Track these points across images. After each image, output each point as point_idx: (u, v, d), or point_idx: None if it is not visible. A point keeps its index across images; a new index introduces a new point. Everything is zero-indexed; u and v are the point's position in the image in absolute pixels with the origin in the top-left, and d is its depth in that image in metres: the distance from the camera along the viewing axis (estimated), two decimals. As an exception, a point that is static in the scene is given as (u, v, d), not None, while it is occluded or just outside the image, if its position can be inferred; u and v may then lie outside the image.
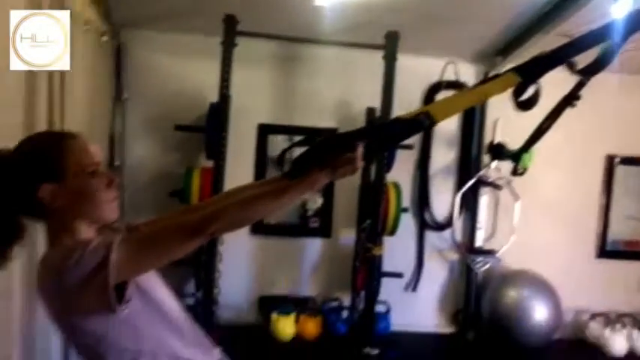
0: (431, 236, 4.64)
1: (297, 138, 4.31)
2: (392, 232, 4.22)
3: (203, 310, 3.80)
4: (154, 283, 1.28)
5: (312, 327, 4.25)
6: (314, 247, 4.58)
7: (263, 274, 4.52)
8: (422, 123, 1.32)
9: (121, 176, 3.98)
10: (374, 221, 4.00)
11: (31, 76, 2.34)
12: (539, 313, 4.21)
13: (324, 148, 1.20)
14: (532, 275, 4.41)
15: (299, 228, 4.57)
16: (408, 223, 4.48)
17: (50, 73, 2.53)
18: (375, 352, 3.80)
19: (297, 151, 1.32)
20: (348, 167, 1.19)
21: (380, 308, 4.23)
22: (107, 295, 1.08)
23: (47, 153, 1.18)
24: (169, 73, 4.22)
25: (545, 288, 4.32)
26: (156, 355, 1.21)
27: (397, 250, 4.36)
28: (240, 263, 4.41)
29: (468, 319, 4.54)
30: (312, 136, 1.27)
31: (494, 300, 4.35)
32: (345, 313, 4.39)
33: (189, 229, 1.13)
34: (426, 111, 1.33)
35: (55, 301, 1.17)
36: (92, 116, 3.40)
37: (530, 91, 1.46)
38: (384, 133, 1.35)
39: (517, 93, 1.46)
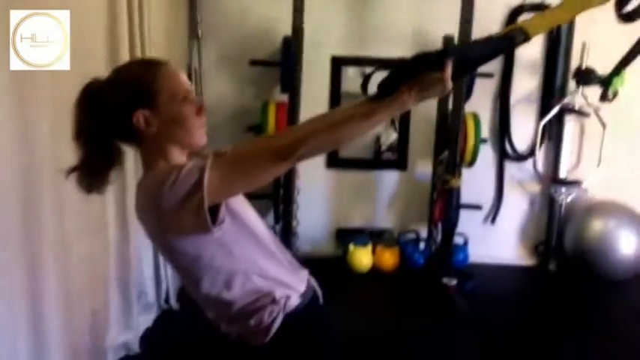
0: (511, 167, 4.50)
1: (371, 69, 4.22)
2: (470, 164, 4.13)
3: (282, 242, 3.89)
4: (244, 207, 1.31)
5: (389, 258, 4.29)
6: (390, 179, 4.57)
7: (339, 207, 4.57)
8: (514, 38, 1.25)
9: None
10: (452, 152, 3.92)
11: (112, 11, 2.41)
12: (626, 245, 4.06)
13: (413, 68, 1.16)
14: (619, 206, 4.23)
15: (374, 161, 4.56)
16: (487, 154, 4.36)
17: (130, 10, 2.59)
18: (453, 282, 3.79)
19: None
20: (437, 87, 1.15)
21: (458, 240, 4.20)
22: (202, 215, 1.12)
23: (141, 79, 1.21)
24: (242, 8, 4.21)
25: (632, 219, 4.14)
26: (248, 275, 1.25)
27: (476, 181, 4.27)
28: (317, 196, 4.47)
29: (550, 252, 4.44)
30: (398, 60, 1.22)
31: (578, 232, 4.22)
32: (422, 245, 4.39)
33: (279, 152, 1.14)
34: (519, 27, 1.26)
35: (153, 222, 1.22)
36: (169, 52, 3.47)
37: (635, 1, 1.35)
38: (474, 51, 1.29)
39: (621, 3, 1.35)
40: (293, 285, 1.31)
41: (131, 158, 2.31)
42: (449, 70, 1.14)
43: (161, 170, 1.20)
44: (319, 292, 1.42)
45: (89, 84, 1.24)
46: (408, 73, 1.16)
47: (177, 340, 2.99)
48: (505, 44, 1.27)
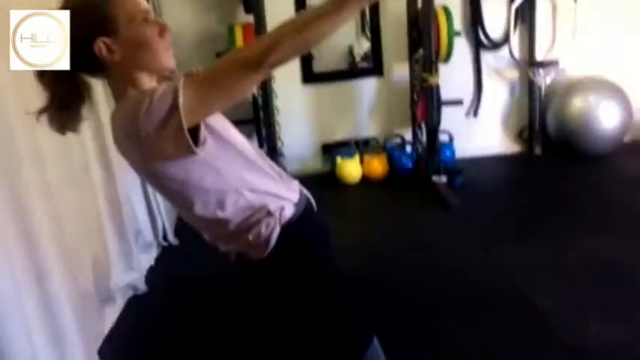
0: (488, 57, 4.46)
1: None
2: (446, 59, 4.08)
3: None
4: (225, 125, 1.27)
5: (377, 166, 4.31)
6: (368, 87, 4.52)
7: (322, 122, 4.54)
8: None
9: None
10: (426, 50, 3.86)
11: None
12: (607, 117, 4.09)
13: None
14: (598, 80, 4.23)
15: (350, 71, 4.49)
16: (462, 47, 4.30)
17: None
18: (443, 180, 3.84)
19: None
20: None
21: (443, 138, 4.22)
22: (183, 138, 1.08)
23: (94, 6, 1.15)
24: None
25: (612, 91, 4.15)
26: (240, 192, 1.23)
27: (454, 76, 4.24)
28: (298, 114, 4.43)
29: (534, 136, 4.48)
30: None
31: (559, 112, 4.24)
32: (408, 148, 4.40)
33: (251, 62, 1.09)
34: None
35: (134, 152, 1.19)
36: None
37: None
38: None
39: None
40: (286, 196, 1.30)
41: (103, 97, 2.26)
42: None
43: (132, 98, 1.15)
44: (312, 201, 1.42)
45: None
46: None
47: (181, 275, 3.03)
48: None
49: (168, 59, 1.22)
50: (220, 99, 1.14)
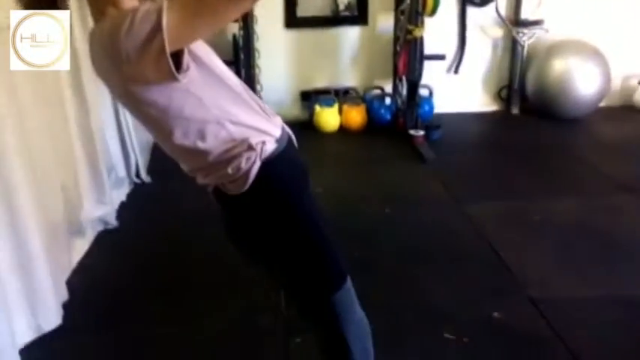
0: (473, 13, 4.41)
1: None
2: (432, 13, 4.01)
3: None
4: (209, 54, 1.23)
5: (356, 116, 4.29)
6: (351, 36, 4.46)
7: (302, 69, 4.48)
8: None
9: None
10: (413, 1, 3.80)
11: None
12: (586, 81, 4.13)
13: None
14: (579, 43, 4.24)
15: (334, 18, 4.41)
16: (449, 1, 4.25)
17: None
18: (420, 133, 3.85)
19: None
20: None
21: (423, 92, 4.21)
22: (165, 62, 1.04)
23: None
24: None
25: (592, 55, 4.18)
26: (221, 123, 1.20)
27: (438, 31, 4.20)
28: (279, 59, 4.36)
29: (513, 95, 4.49)
30: None
31: (539, 72, 4.26)
32: (387, 101, 4.38)
33: None
34: None
35: (113, 75, 1.14)
36: None
37: None
38: None
39: None
40: (268, 130, 1.28)
41: (77, 22, 2.18)
42: None
43: (113, 17, 1.10)
44: (294, 138, 1.40)
45: None
46: None
47: (152, 212, 3.01)
48: None
49: None
50: (206, 23, 1.10)
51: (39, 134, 2.10)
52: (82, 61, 2.48)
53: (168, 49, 1.03)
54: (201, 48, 1.20)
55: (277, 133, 1.30)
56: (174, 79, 1.08)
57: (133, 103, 1.19)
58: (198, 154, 1.23)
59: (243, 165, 1.23)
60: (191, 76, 1.12)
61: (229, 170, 1.23)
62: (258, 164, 1.24)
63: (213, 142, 1.21)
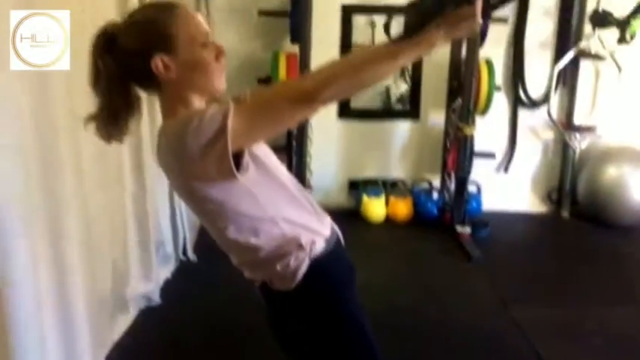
0: (525, 114, 4.46)
1: (383, 19, 4.17)
2: (484, 111, 4.09)
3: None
4: (266, 153, 1.29)
5: (402, 209, 4.30)
6: (402, 129, 4.54)
7: (352, 158, 4.56)
8: None
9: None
10: (465, 100, 3.88)
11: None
12: (640, 189, 4.04)
13: (441, 4, 1.11)
14: (633, 152, 4.19)
15: (387, 111, 4.52)
16: (500, 102, 4.33)
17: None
18: (467, 230, 3.81)
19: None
20: (467, 23, 1.10)
21: (471, 188, 4.20)
22: (226, 162, 1.09)
23: (158, 23, 1.17)
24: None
25: (647, 164, 4.11)
26: (275, 221, 1.24)
27: (489, 129, 4.25)
28: (330, 147, 4.46)
29: (563, 199, 4.43)
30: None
31: (591, 177, 4.20)
32: (435, 195, 4.39)
33: (303, 95, 1.10)
34: None
35: (176, 169, 1.20)
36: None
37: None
38: None
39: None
40: (318, 230, 1.30)
41: (146, 107, 2.30)
42: (479, 5, 1.09)
43: (183, 116, 1.18)
44: (341, 237, 1.42)
45: (104, 28, 1.20)
46: (436, 11, 1.11)
47: (196, 292, 3.04)
48: None
49: (220, 82, 1.24)
50: (268, 127, 1.16)
51: (99, 214, 2.19)
52: (144, 142, 2.62)
53: (230, 150, 1.08)
54: (260, 147, 1.25)
55: (327, 232, 1.33)
56: (234, 177, 1.13)
57: (191, 197, 1.25)
58: (249, 250, 1.26)
59: (292, 263, 1.25)
60: (250, 175, 1.17)
61: (278, 267, 1.25)
62: (306, 263, 1.26)
63: (265, 239, 1.24)
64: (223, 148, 1.09)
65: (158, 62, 1.17)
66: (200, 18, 1.24)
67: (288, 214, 1.26)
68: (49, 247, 1.83)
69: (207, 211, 1.25)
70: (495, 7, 1.27)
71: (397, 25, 1.26)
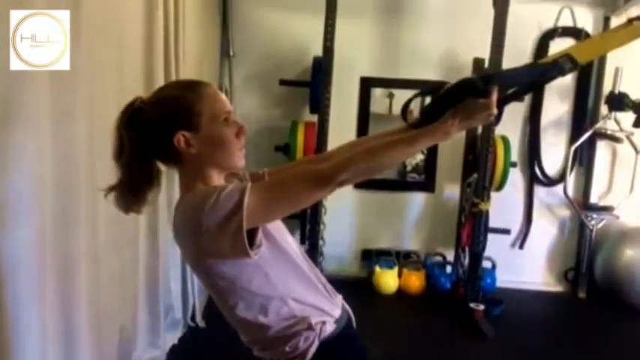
0: (540, 192, 4.45)
1: (400, 91, 4.27)
2: (499, 187, 4.09)
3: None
4: (281, 230, 1.30)
5: (415, 281, 4.25)
6: (417, 201, 4.54)
7: (366, 228, 4.55)
8: (562, 66, 1.21)
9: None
10: (481, 175, 3.89)
11: (148, 31, 2.45)
12: (659, 274, 3.96)
13: (457, 94, 1.14)
14: (652, 234, 4.13)
15: (402, 182, 4.54)
16: (516, 178, 4.33)
17: (166, 30, 2.64)
18: (481, 307, 3.74)
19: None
20: (482, 114, 1.13)
21: (485, 264, 4.15)
22: (240, 239, 1.11)
23: (183, 101, 1.21)
24: (273, 27, 4.25)
25: (667, 248, 4.04)
26: (285, 300, 1.24)
27: (504, 205, 4.23)
28: (344, 216, 4.45)
29: (579, 279, 4.35)
30: (438, 85, 1.20)
31: (609, 259, 4.14)
32: (448, 269, 4.34)
33: (320, 178, 1.13)
34: (567, 54, 1.22)
35: (191, 244, 1.21)
36: (201, 71, 3.52)
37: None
38: (520, 78, 1.26)
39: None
40: (328, 311, 1.29)
41: (164, 175, 2.33)
42: (494, 97, 1.12)
43: (201, 192, 1.20)
44: (353, 318, 1.40)
45: (131, 102, 1.24)
46: (453, 100, 1.14)
47: (201, 359, 2.99)
48: (553, 71, 1.23)
49: (240, 159, 1.27)
50: (284, 207, 1.18)
51: (110, 276, 2.19)
52: (160, 207, 2.64)
53: (245, 228, 1.10)
54: (274, 224, 1.26)
55: (337, 313, 1.32)
56: (247, 255, 1.14)
57: (204, 272, 1.25)
58: (258, 328, 1.25)
59: (301, 344, 1.23)
60: (262, 253, 1.18)
61: (287, 348, 1.24)
62: (316, 344, 1.24)
63: (274, 318, 1.23)
64: (238, 226, 1.10)
65: (181, 138, 1.20)
66: (223, 97, 1.28)
67: (298, 293, 1.26)
68: (58, 309, 1.82)
69: (219, 287, 1.25)
70: (511, 100, 1.29)
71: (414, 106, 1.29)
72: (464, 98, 1.13)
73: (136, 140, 1.21)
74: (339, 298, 1.38)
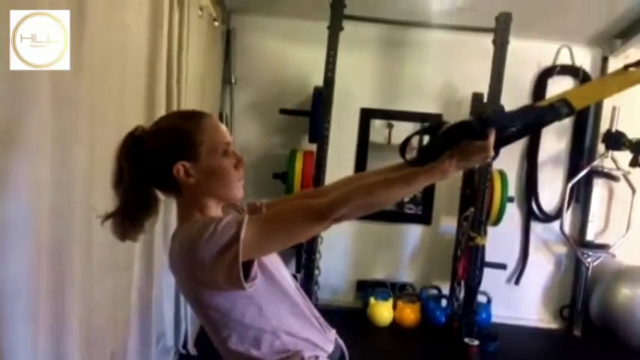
0: (537, 227, 4.46)
1: (399, 123, 4.31)
2: (496, 222, 4.09)
3: (303, 291, 3.89)
4: (276, 263, 1.30)
5: (409, 314, 4.21)
6: (414, 233, 4.54)
7: (362, 258, 4.54)
8: (559, 110, 1.23)
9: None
10: (478, 210, 3.90)
11: (152, 57, 2.48)
12: (655, 313, 3.94)
13: (455, 136, 1.16)
14: (648, 273, 4.12)
15: (399, 214, 4.54)
16: (513, 213, 4.33)
17: (169, 56, 2.67)
18: (475, 343, 3.71)
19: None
20: (479, 155, 1.15)
21: (481, 299, 4.13)
22: (236, 271, 1.11)
23: (184, 131, 1.22)
24: (275, 57, 4.30)
25: (662, 287, 4.03)
26: (278, 334, 1.23)
27: (501, 240, 4.22)
28: (340, 246, 4.45)
29: (575, 316, 4.33)
30: (437, 124, 1.22)
31: (604, 297, 4.12)
32: (444, 302, 4.31)
33: (316, 213, 1.13)
34: (564, 98, 1.24)
35: (185, 273, 1.21)
36: (203, 97, 3.54)
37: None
38: (517, 121, 1.28)
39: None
40: (321, 345, 1.29)
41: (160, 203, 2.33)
42: (492, 139, 1.13)
43: (198, 222, 1.20)
44: (346, 353, 1.39)
45: (132, 132, 1.25)
46: (451, 141, 1.15)
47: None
48: (549, 115, 1.25)
49: (239, 190, 1.28)
50: (280, 241, 1.18)
51: (103, 300, 2.17)
52: (156, 233, 2.63)
53: (240, 260, 1.09)
54: (269, 258, 1.26)
55: (330, 348, 1.31)
56: (241, 287, 1.13)
57: (197, 303, 1.25)
58: None
59: None
60: (257, 286, 1.18)
61: None
62: None
63: (267, 351, 1.22)
64: (234, 258, 1.10)
65: (180, 168, 1.21)
66: (224, 128, 1.29)
67: (291, 327, 1.25)
68: (49, 332, 1.79)
69: (212, 318, 1.24)
70: (508, 142, 1.31)
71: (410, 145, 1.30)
72: (462, 140, 1.14)
73: (135, 169, 1.22)
74: (332, 333, 1.37)
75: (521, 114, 1.28)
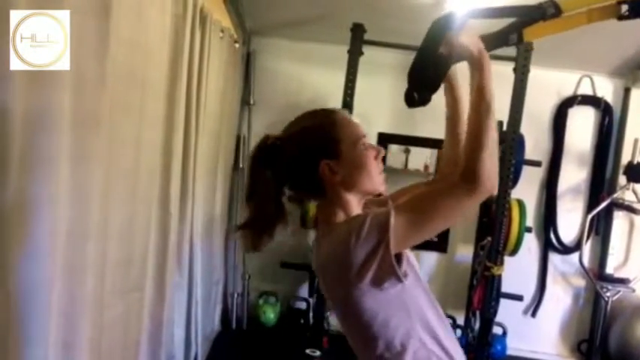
0: (555, 259, 4.38)
1: (416, 148, 4.27)
2: (513, 252, 4.01)
3: (315, 315, 3.85)
4: (413, 259, 1.26)
5: (423, 343, 4.13)
6: (429, 260, 4.48)
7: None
8: (545, 10, 1.22)
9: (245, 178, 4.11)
10: (495, 239, 3.83)
11: (172, 77, 2.48)
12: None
13: (435, 40, 1.19)
14: (670, 309, 4.02)
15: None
16: (531, 244, 4.27)
17: (189, 76, 2.67)
18: (490, 375, 3.62)
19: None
20: (470, 41, 1.21)
21: (496, 330, 4.04)
22: (390, 264, 1.08)
23: (323, 129, 1.22)
24: (294, 79, 4.32)
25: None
26: (423, 342, 1.18)
27: (518, 271, 4.15)
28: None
29: (593, 351, 4.22)
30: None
31: (624, 332, 4.01)
32: (458, 332, 4.22)
33: (463, 182, 1.07)
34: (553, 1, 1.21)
35: (336, 278, 1.18)
36: (222, 118, 3.55)
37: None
38: (495, 13, 1.27)
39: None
40: (455, 357, 1.23)
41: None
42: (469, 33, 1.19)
43: (346, 222, 1.18)
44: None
45: (264, 140, 1.25)
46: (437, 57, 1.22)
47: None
48: (535, 13, 1.24)
49: (381, 182, 1.25)
50: (432, 225, 1.13)
51: (114, 322, 2.14)
52: (169, 252, 2.61)
53: (393, 253, 1.05)
54: (412, 257, 1.22)
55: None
56: (398, 277, 1.09)
57: (345, 306, 1.19)
58: None
59: None
60: (407, 284, 1.13)
61: None
62: None
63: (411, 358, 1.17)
64: (385, 250, 1.07)
65: (325, 167, 1.19)
66: (357, 121, 1.27)
67: (434, 331, 1.21)
68: (60, 353, 1.77)
69: (359, 324, 1.19)
70: (498, 44, 1.31)
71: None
72: (437, 49, 1.19)
73: (276, 178, 1.21)
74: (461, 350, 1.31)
75: (499, 11, 1.28)
